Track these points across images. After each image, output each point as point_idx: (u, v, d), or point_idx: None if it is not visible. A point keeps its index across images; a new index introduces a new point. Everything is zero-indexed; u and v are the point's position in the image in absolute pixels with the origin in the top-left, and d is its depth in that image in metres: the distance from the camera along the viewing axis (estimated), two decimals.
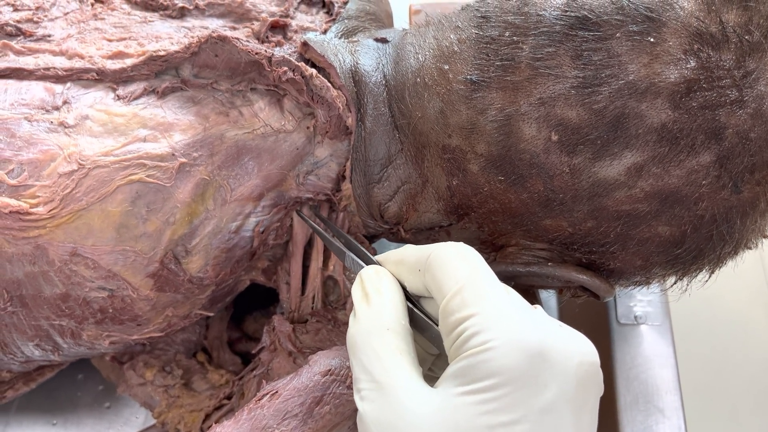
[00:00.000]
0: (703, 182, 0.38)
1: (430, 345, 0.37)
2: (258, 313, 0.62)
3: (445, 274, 0.33)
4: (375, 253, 0.52)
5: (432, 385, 0.32)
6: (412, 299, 0.37)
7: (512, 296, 0.33)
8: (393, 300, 0.35)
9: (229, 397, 0.54)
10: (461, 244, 0.35)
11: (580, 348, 0.32)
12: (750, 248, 0.44)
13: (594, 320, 0.63)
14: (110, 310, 0.45)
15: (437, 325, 0.35)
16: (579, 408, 0.31)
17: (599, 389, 0.32)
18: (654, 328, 0.61)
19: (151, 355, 0.57)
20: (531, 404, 0.30)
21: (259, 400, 0.42)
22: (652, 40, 0.37)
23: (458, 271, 0.33)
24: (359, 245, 0.43)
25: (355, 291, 0.37)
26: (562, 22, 0.38)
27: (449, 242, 0.35)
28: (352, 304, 0.51)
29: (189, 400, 0.55)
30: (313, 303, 0.52)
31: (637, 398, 0.57)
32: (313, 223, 0.48)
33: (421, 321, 0.36)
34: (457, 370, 0.31)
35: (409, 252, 0.36)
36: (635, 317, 0.61)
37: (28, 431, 0.61)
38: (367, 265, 0.39)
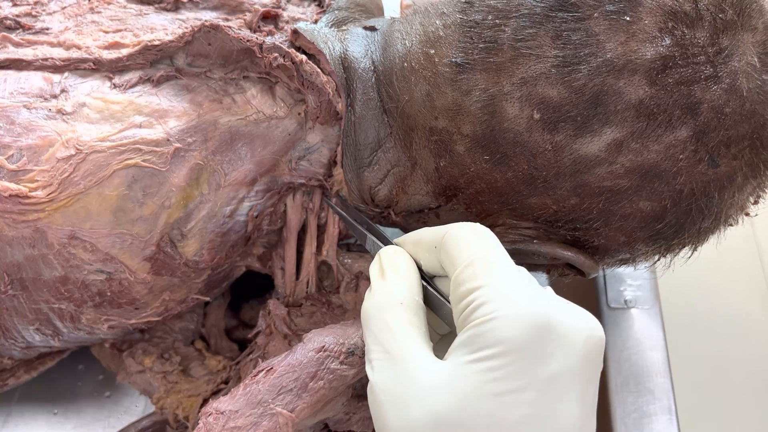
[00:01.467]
0: (681, 157, 0.39)
1: (440, 325, 0.38)
2: (255, 302, 0.63)
3: (459, 250, 0.35)
4: None
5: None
6: (427, 279, 0.38)
7: (522, 273, 0.34)
8: (408, 276, 0.37)
9: (226, 382, 0.55)
10: (477, 224, 0.37)
11: (589, 323, 0.33)
12: (731, 224, 0.45)
13: (585, 304, 0.64)
14: (108, 294, 0.47)
15: (450, 303, 0.36)
16: (586, 380, 0.32)
17: (600, 366, 0.33)
18: (644, 312, 0.62)
19: (149, 343, 0.58)
20: (536, 373, 0.31)
21: (255, 376, 0.43)
22: (628, 18, 0.38)
23: (471, 246, 0.35)
24: (379, 229, 0.45)
25: (373, 268, 0.38)
26: (543, 4, 0.40)
27: (465, 222, 0.37)
28: (347, 286, 0.53)
29: (187, 385, 0.56)
30: (307, 287, 0.54)
31: (628, 380, 0.58)
32: (336, 207, 0.50)
33: (436, 300, 0.37)
34: (464, 339, 0.32)
35: (425, 231, 0.38)
36: (625, 301, 0.62)
37: (30, 421, 0.62)
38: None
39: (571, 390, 0.31)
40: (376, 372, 0.34)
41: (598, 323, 0.33)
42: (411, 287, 0.36)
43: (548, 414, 0.30)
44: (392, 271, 0.37)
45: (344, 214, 0.48)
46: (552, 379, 0.31)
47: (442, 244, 0.36)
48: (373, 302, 0.36)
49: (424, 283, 0.38)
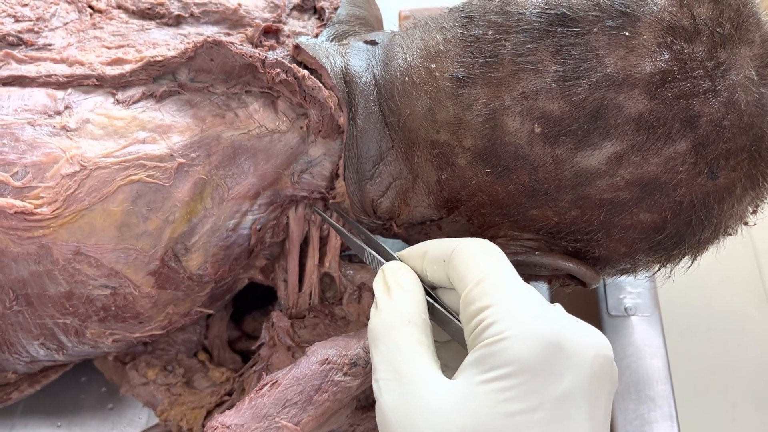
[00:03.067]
0: (681, 169, 0.39)
1: (438, 332, 0.38)
2: (257, 313, 0.63)
3: (468, 267, 0.35)
4: None
5: (446, 375, 0.33)
6: (431, 292, 0.38)
7: (531, 292, 0.34)
8: (414, 293, 0.37)
9: (230, 394, 0.55)
10: (486, 240, 0.37)
11: (597, 341, 0.33)
12: (730, 234, 0.45)
13: (585, 312, 0.65)
14: (113, 308, 0.47)
15: (457, 319, 0.37)
16: (594, 399, 0.32)
17: (613, 384, 0.33)
18: (644, 319, 0.62)
19: (153, 355, 0.58)
20: (547, 393, 0.31)
21: (260, 390, 0.43)
22: (627, 34, 0.39)
23: (481, 264, 0.35)
24: (379, 242, 0.45)
25: (377, 284, 0.38)
26: (542, 20, 0.40)
27: (474, 238, 0.37)
28: (349, 298, 0.53)
29: (191, 397, 0.56)
30: (310, 299, 0.54)
31: (629, 387, 0.59)
32: (331, 220, 0.50)
33: (442, 315, 0.37)
34: (475, 358, 0.32)
35: (433, 244, 0.38)
36: (625, 309, 0.63)
37: None
38: (386, 260, 0.41)
39: (580, 409, 0.31)
40: (384, 392, 0.33)
41: (607, 342, 0.33)
42: (418, 305, 0.36)
43: None
44: (398, 288, 0.37)
45: (339, 226, 0.48)
46: (562, 399, 0.31)
47: (451, 260, 0.36)
48: (380, 320, 0.36)
49: (429, 298, 0.38)
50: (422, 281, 0.38)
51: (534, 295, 0.34)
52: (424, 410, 0.32)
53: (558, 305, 0.35)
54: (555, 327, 0.32)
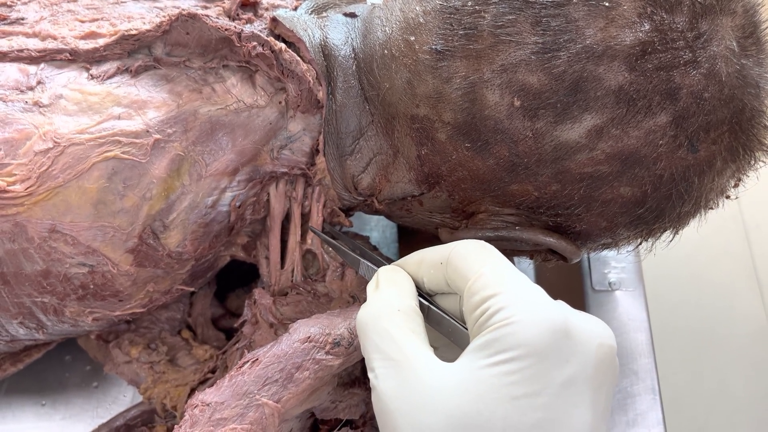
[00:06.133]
0: (661, 142, 0.39)
1: (435, 339, 0.38)
2: (241, 290, 0.63)
3: (469, 263, 0.35)
4: (351, 226, 0.54)
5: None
6: (427, 297, 0.38)
7: (534, 284, 0.34)
8: (404, 286, 0.37)
9: (213, 371, 0.55)
10: (482, 240, 0.37)
11: (602, 330, 0.33)
12: (711, 208, 0.45)
13: (569, 287, 0.65)
14: (91, 286, 0.46)
15: (453, 319, 0.37)
16: (597, 387, 0.32)
17: (615, 374, 0.33)
18: (628, 294, 0.62)
19: (136, 334, 0.58)
20: (552, 377, 0.31)
21: (240, 367, 0.43)
22: (607, 4, 0.38)
23: (481, 259, 0.35)
24: (373, 253, 0.45)
25: (370, 285, 0.38)
26: None
27: (470, 239, 0.37)
28: (333, 275, 0.53)
29: (174, 375, 0.56)
30: (292, 276, 0.54)
31: None
32: (324, 235, 0.49)
33: (436, 315, 0.37)
34: (480, 344, 0.32)
35: (430, 250, 0.38)
36: (609, 284, 0.63)
37: (18, 412, 0.62)
38: None
39: (583, 395, 0.31)
40: (381, 380, 0.33)
41: (611, 332, 0.34)
42: (407, 296, 0.36)
43: (562, 419, 0.31)
44: (387, 283, 0.37)
45: (332, 241, 0.48)
46: (566, 384, 0.31)
47: (449, 260, 0.36)
48: (368, 311, 0.36)
49: (424, 300, 0.38)
50: (420, 289, 0.38)
51: (537, 286, 0.34)
52: (425, 394, 0.31)
53: (560, 301, 0.35)
54: (562, 314, 0.32)
